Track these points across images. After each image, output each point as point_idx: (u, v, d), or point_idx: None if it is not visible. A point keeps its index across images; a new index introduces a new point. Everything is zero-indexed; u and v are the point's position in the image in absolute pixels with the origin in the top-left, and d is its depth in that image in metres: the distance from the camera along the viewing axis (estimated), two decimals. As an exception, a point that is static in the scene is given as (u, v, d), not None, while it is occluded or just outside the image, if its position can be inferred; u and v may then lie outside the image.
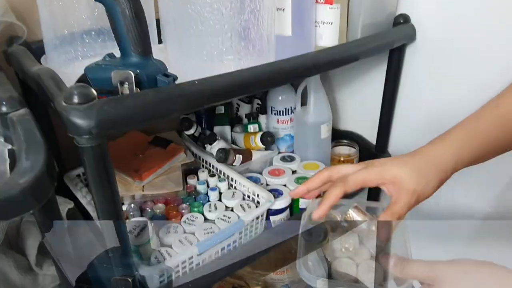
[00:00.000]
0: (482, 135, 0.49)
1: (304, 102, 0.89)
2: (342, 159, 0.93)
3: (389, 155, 0.95)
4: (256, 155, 0.87)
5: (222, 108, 0.97)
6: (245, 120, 0.99)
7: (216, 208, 0.74)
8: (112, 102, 0.42)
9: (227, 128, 0.96)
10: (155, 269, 0.57)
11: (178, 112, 0.47)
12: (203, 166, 0.89)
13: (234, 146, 0.92)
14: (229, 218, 0.70)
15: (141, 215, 0.72)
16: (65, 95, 0.41)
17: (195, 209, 0.74)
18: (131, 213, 0.69)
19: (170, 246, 0.65)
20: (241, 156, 0.84)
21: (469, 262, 0.40)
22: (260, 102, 0.99)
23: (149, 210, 0.73)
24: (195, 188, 0.81)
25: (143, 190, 0.76)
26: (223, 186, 0.80)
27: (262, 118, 0.97)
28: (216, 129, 0.96)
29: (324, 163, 0.88)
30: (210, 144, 0.87)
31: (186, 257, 0.60)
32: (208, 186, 0.81)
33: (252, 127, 0.93)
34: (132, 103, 0.43)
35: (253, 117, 0.96)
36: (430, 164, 0.47)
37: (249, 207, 0.73)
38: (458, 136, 0.49)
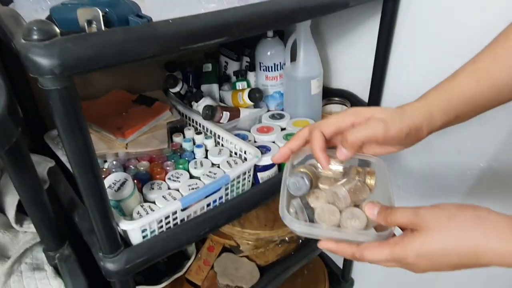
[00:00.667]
0: (457, 92, 0.46)
1: (294, 58, 0.85)
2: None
3: (381, 113, 0.92)
4: (244, 113, 0.84)
5: (210, 65, 0.93)
6: (233, 79, 0.96)
7: (202, 165, 0.72)
8: (77, 40, 0.39)
9: (215, 86, 0.93)
10: (137, 224, 0.55)
11: (151, 54, 0.43)
12: (189, 124, 0.86)
13: (222, 104, 0.89)
14: (215, 174, 0.68)
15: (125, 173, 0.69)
16: (23, 32, 0.37)
17: (180, 166, 0.72)
18: (113, 170, 0.67)
19: (154, 202, 0.63)
20: (228, 113, 0.81)
21: (452, 205, 0.39)
22: (249, 60, 0.95)
23: (133, 167, 0.71)
24: (181, 146, 0.78)
25: (126, 148, 0.74)
26: (209, 143, 0.78)
27: (251, 76, 0.94)
28: (204, 87, 0.92)
29: (314, 120, 0.85)
30: (197, 101, 0.84)
31: (170, 211, 0.59)
32: (194, 144, 0.78)
33: (240, 85, 0.90)
34: (99, 41, 0.40)
35: (241, 75, 0.92)
36: (405, 115, 0.45)
37: (236, 163, 0.71)
38: (433, 96, 0.47)
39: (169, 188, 0.67)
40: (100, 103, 0.85)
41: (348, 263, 1.20)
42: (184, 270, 0.88)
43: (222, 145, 0.78)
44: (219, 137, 0.78)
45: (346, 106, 0.92)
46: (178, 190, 0.66)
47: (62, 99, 0.40)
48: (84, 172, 0.46)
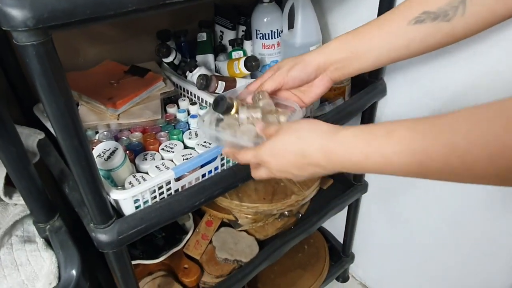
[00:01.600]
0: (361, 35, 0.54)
1: (291, 25, 0.82)
2: (333, 86, 0.87)
3: (384, 83, 0.89)
4: (240, 83, 0.81)
5: (204, 35, 0.90)
6: (229, 48, 0.92)
7: (196, 135, 0.69)
8: (51, -11, 0.36)
9: (210, 57, 0.89)
10: (128, 193, 0.53)
11: (132, 7, 0.40)
12: (183, 95, 0.83)
13: (217, 74, 0.86)
14: (210, 144, 0.66)
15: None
16: (-7, -19, 0.34)
17: (174, 136, 0.69)
18: (104, 140, 0.65)
19: (147, 173, 0.61)
20: (224, 83, 0.78)
21: (287, 127, 0.47)
22: (245, 29, 0.91)
23: (125, 138, 0.68)
24: (175, 117, 0.76)
25: (118, 119, 0.71)
26: (202, 112, 0.75)
27: (247, 45, 0.90)
28: (198, 58, 0.89)
29: (313, 90, 0.82)
30: (191, 71, 0.81)
31: (163, 180, 0.57)
32: (188, 115, 0.76)
33: (236, 54, 0.87)
34: (75, -8, 0.37)
35: (237, 44, 0.89)
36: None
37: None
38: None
39: (162, 159, 0.65)
40: (90, 74, 0.82)
41: (348, 238, 1.19)
42: (182, 244, 0.87)
43: None
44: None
45: (347, 75, 0.89)
46: (172, 161, 0.64)
47: (39, 55, 0.37)
48: (69, 136, 0.43)
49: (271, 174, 0.50)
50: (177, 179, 0.59)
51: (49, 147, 0.68)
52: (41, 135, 0.70)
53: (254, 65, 0.79)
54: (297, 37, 0.78)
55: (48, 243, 0.57)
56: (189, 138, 0.69)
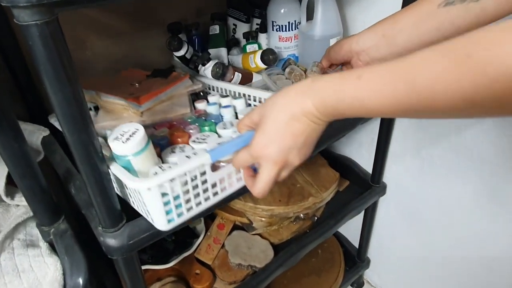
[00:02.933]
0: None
1: (310, 17, 0.77)
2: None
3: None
4: (257, 77, 0.77)
5: (217, 27, 0.85)
6: (243, 42, 0.88)
7: (232, 124, 0.59)
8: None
9: (223, 51, 0.85)
10: (153, 181, 0.44)
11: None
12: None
13: (234, 66, 0.81)
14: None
15: None
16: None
17: (206, 128, 0.60)
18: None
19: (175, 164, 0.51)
20: (240, 74, 0.73)
21: (264, 107, 0.44)
22: (259, 22, 0.87)
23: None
24: (205, 111, 0.68)
25: (141, 116, 0.64)
26: (239, 104, 0.66)
27: (262, 38, 0.86)
28: (211, 52, 0.84)
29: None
30: (203, 65, 0.76)
31: (195, 166, 0.47)
32: (220, 107, 0.68)
33: (251, 48, 0.82)
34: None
35: (252, 37, 0.84)
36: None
37: None
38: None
39: (194, 150, 0.55)
40: (110, 79, 0.76)
41: (364, 242, 1.14)
42: (194, 248, 0.83)
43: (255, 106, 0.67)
44: (250, 97, 0.68)
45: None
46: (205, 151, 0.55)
47: (43, 37, 0.33)
48: (76, 130, 0.39)
49: (275, 166, 0.44)
50: (214, 169, 0.50)
51: (54, 145, 0.64)
52: (46, 132, 0.66)
53: (271, 59, 0.74)
54: (317, 29, 0.74)
55: (53, 247, 0.52)
56: (224, 128, 0.59)
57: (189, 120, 0.64)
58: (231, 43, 0.87)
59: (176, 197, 0.47)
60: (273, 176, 0.44)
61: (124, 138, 0.46)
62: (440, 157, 0.86)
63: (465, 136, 0.79)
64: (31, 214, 0.55)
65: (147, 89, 0.68)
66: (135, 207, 0.51)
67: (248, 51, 0.82)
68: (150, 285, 0.80)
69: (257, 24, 0.88)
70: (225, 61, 0.85)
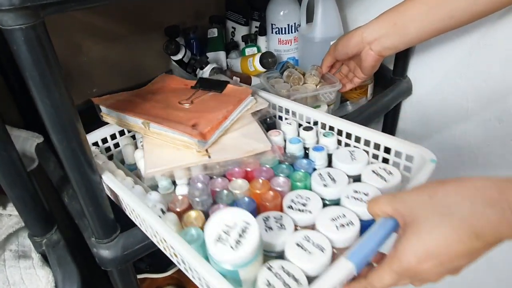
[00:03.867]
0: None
1: (310, 19, 0.75)
2: (354, 85, 0.81)
3: (409, 81, 0.82)
4: (255, 81, 0.75)
5: (215, 31, 0.84)
6: (242, 45, 0.86)
7: (334, 179, 0.45)
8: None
9: (221, 54, 0.84)
10: None
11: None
12: (278, 116, 0.60)
13: (232, 70, 0.80)
14: (365, 195, 0.42)
15: (213, 203, 0.44)
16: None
17: (298, 184, 0.45)
18: (198, 199, 0.43)
19: (281, 256, 0.37)
20: (238, 79, 0.72)
21: (432, 183, 0.33)
22: (258, 25, 0.86)
23: (225, 192, 0.44)
24: (284, 150, 0.53)
25: (209, 156, 0.48)
26: (330, 143, 0.52)
27: (261, 41, 0.84)
28: (209, 55, 0.83)
29: (334, 88, 0.76)
30: (201, 68, 0.75)
31: (339, 280, 0.32)
32: (305, 147, 0.53)
33: (250, 51, 0.81)
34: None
35: (251, 40, 0.83)
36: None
37: (390, 173, 0.45)
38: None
39: (296, 226, 0.40)
40: (146, 94, 0.61)
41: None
42: (192, 256, 0.81)
43: (347, 144, 0.53)
44: (340, 133, 0.52)
45: (369, 73, 0.82)
46: (314, 228, 0.40)
47: (29, 41, 0.31)
48: (65, 138, 0.37)
49: (430, 281, 0.33)
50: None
51: (48, 152, 0.63)
52: (40, 139, 0.64)
53: (270, 62, 0.73)
54: (317, 31, 0.72)
55: (45, 259, 0.51)
56: (325, 186, 0.44)
57: (267, 166, 0.48)
58: (230, 47, 0.86)
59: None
60: None
61: (232, 240, 0.32)
62: (445, 160, 0.84)
63: (470, 141, 0.77)
64: (23, 224, 0.53)
65: (204, 113, 0.52)
66: None
67: (247, 54, 0.80)
68: (149, 294, 0.78)
69: (256, 27, 0.86)
70: (224, 65, 0.83)
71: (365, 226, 0.39)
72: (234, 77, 0.69)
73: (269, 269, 0.34)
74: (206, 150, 0.48)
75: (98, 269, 0.52)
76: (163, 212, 0.43)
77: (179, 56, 0.77)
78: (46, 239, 0.50)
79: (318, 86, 0.67)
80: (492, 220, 0.29)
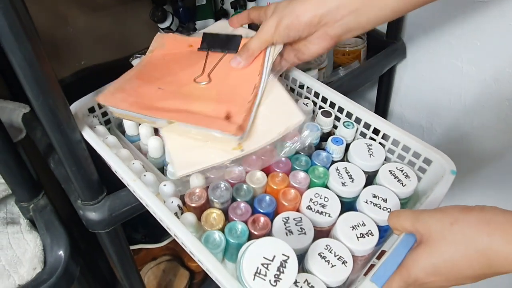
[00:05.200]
0: None
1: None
2: (347, 49, 0.79)
3: (403, 44, 0.80)
4: (244, 48, 0.73)
5: (204, -2, 0.82)
6: (231, 13, 0.84)
7: (351, 177, 0.44)
8: None
9: (210, 22, 0.81)
10: None
11: None
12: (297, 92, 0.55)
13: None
14: (384, 201, 0.42)
15: (232, 200, 0.42)
16: None
17: (316, 181, 0.44)
18: (219, 200, 0.41)
19: (299, 260, 0.36)
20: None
21: (456, 208, 0.33)
22: (248, -9, 0.83)
23: (244, 187, 0.42)
24: (300, 136, 0.47)
25: (242, 150, 0.42)
26: (349, 135, 0.49)
27: (250, 7, 0.82)
28: (198, 24, 0.81)
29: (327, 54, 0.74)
30: (189, 35, 0.73)
31: None
32: (323, 134, 0.49)
33: (239, 17, 0.79)
34: None
35: (240, 5, 0.81)
36: None
37: (407, 176, 0.45)
38: None
39: (316, 230, 0.40)
40: (150, 72, 0.50)
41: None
42: (188, 227, 0.81)
43: (363, 135, 0.50)
44: (358, 120, 0.50)
45: (361, 38, 0.81)
46: (332, 232, 0.41)
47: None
48: (39, 92, 0.36)
49: None
50: None
51: (35, 122, 0.62)
52: (26, 109, 0.63)
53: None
54: (307, -8, 0.70)
55: (33, 224, 0.50)
56: (344, 185, 0.43)
57: (283, 157, 0.44)
58: (220, 14, 0.84)
59: None
60: None
61: (271, 274, 0.31)
62: (439, 125, 0.83)
63: (466, 104, 0.76)
64: (10, 192, 0.53)
65: (227, 93, 0.46)
66: None
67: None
68: (145, 264, 0.79)
69: (246, -7, 0.84)
70: (213, 33, 0.81)
71: (382, 232, 0.41)
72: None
73: (295, 284, 0.35)
74: (239, 144, 0.43)
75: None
76: (180, 208, 0.41)
77: (166, 24, 0.75)
78: (33, 204, 0.50)
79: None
80: (507, 256, 0.30)
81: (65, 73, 0.79)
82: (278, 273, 0.31)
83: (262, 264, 0.31)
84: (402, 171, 0.45)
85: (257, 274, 0.31)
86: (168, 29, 0.76)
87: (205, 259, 0.34)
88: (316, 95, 0.53)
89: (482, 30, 0.67)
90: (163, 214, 0.38)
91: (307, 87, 0.54)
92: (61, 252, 0.46)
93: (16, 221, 0.51)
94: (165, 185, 0.42)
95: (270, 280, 0.31)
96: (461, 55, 0.71)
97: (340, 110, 0.51)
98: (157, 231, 0.80)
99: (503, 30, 0.64)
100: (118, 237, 0.51)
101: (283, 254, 0.32)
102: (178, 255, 0.82)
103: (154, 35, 0.77)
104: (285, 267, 0.32)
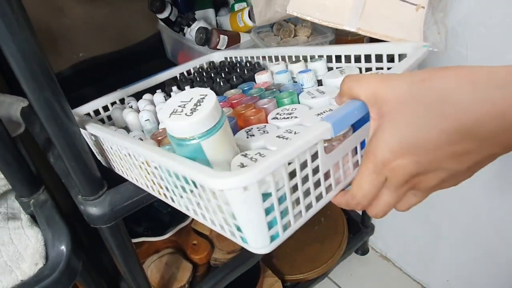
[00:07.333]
0: None
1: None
2: (349, 38, 0.78)
3: None
4: (245, 38, 0.72)
5: (203, -13, 0.80)
6: (231, 2, 0.83)
7: (323, 92, 0.40)
8: None
9: (210, 12, 0.80)
10: (249, 174, 0.24)
11: None
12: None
13: (219, 29, 0.77)
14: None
15: None
16: None
17: (285, 100, 0.41)
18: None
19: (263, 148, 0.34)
20: (226, 37, 0.69)
21: (429, 68, 0.26)
22: (248, -21, 0.82)
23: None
24: (273, 83, 0.50)
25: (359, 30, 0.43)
26: (319, 67, 0.48)
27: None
28: (198, 14, 0.80)
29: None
30: (189, 26, 0.72)
31: (313, 141, 0.28)
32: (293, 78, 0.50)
33: (239, 6, 0.77)
34: None
35: (239, -5, 0.79)
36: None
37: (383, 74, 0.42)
38: None
39: (281, 130, 0.35)
40: None
41: (368, 208, 1.11)
42: (190, 219, 0.81)
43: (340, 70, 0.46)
44: (330, 58, 0.48)
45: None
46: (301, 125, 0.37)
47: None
48: (36, 86, 0.35)
49: (408, 172, 0.27)
50: (326, 150, 0.30)
51: (34, 116, 0.61)
52: (25, 103, 0.62)
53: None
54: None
55: (34, 219, 0.50)
56: (313, 97, 0.40)
57: (255, 95, 0.45)
58: (219, 3, 0.83)
59: (281, 198, 0.28)
60: (415, 203, 0.30)
61: (187, 110, 0.30)
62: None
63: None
64: (9, 187, 0.52)
65: None
66: (200, 219, 0.34)
67: (236, 10, 0.77)
68: (148, 257, 0.79)
69: (245, -19, 0.82)
70: (213, 23, 0.80)
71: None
72: (222, 35, 0.66)
73: (245, 156, 0.31)
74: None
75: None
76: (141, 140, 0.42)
77: (165, 14, 0.74)
78: (33, 200, 0.49)
79: (309, 38, 0.64)
80: (498, 103, 0.22)
81: (62, 66, 0.78)
82: (194, 107, 0.29)
83: (179, 106, 0.30)
84: (377, 73, 0.40)
85: (174, 113, 0.30)
86: (167, 19, 0.75)
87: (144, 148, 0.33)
88: (290, 58, 0.53)
89: (488, 18, 0.65)
90: (125, 140, 0.36)
91: (282, 56, 0.54)
92: (62, 247, 0.46)
93: (17, 217, 0.51)
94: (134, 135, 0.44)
95: (185, 113, 0.29)
96: (467, 43, 0.70)
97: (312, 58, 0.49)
98: (159, 224, 0.80)
99: (509, 17, 0.63)
100: (120, 232, 0.51)
101: (200, 95, 0.31)
102: (180, 247, 0.81)
103: (153, 26, 0.77)
104: (202, 101, 0.30)
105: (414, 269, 1.13)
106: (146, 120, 0.48)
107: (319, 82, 0.47)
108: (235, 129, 0.38)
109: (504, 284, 0.85)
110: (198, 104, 0.30)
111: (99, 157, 0.50)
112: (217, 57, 0.61)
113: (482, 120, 0.23)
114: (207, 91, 0.31)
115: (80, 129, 0.42)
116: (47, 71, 0.35)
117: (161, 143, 0.40)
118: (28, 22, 0.33)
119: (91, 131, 0.43)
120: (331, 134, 0.29)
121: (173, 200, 0.37)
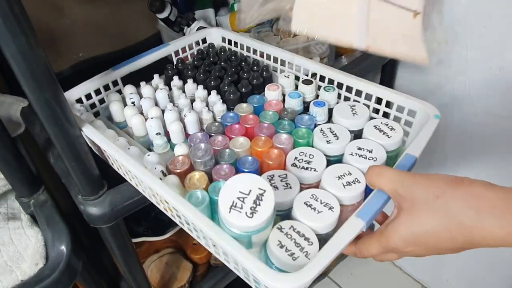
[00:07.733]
0: None
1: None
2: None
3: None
4: (245, 37, 0.72)
5: (202, -13, 0.80)
6: (231, 1, 0.83)
7: (336, 135, 0.43)
8: None
9: (210, 11, 0.80)
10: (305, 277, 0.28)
11: None
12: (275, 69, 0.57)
13: (219, 30, 0.77)
14: (369, 151, 0.41)
15: (215, 163, 0.42)
16: None
17: (301, 141, 0.43)
18: (200, 160, 0.40)
19: (287, 214, 0.37)
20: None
21: (443, 179, 0.32)
22: (248, -21, 0.81)
23: (227, 151, 0.43)
24: (283, 105, 0.50)
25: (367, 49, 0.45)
26: (331, 98, 0.49)
27: None
28: (197, 13, 0.80)
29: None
30: (188, 26, 0.72)
31: (349, 239, 0.31)
32: (304, 100, 0.50)
33: (239, 5, 0.77)
34: None
35: (239, -6, 0.79)
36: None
37: (392, 129, 0.44)
38: None
39: (301, 184, 0.39)
40: None
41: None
42: (190, 219, 0.81)
43: (346, 98, 0.50)
44: (340, 86, 0.50)
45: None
46: (320, 187, 0.39)
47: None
48: (36, 86, 0.35)
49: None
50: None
51: (34, 116, 0.61)
52: (25, 103, 0.62)
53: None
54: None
55: (34, 219, 0.50)
56: (328, 142, 0.42)
57: (267, 122, 0.46)
58: (219, 3, 0.83)
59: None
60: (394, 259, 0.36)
61: (247, 207, 0.30)
62: (443, 113, 0.82)
63: (470, 91, 0.74)
64: (9, 187, 0.52)
65: None
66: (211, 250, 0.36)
67: (236, 9, 0.77)
68: (148, 257, 0.79)
69: (245, -19, 0.82)
70: (213, 22, 0.80)
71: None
72: None
73: (280, 229, 0.34)
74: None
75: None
76: (164, 174, 0.41)
77: (165, 14, 0.74)
78: (33, 200, 0.50)
79: (309, 38, 0.64)
80: (495, 232, 0.29)
81: (62, 66, 0.78)
82: (254, 205, 0.31)
83: (238, 198, 0.31)
84: (387, 125, 0.45)
85: (233, 207, 0.31)
86: (166, 19, 0.75)
87: (185, 209, 0.33)
88: (298, 68, 0.54)
89: (488, 17, 0.65)
90: (147, 177, 0.37)
91: (288, 63, 0.55)
92: (63, 247, 0.46)
93: (17, 217, 0.51)
94: (148, 155, 0.43)
95: (246, 213, 0.30)
96: (467, 43, 0.70)
97: (322, 79, 0.52)
98: (159, 224, 0.80)
99: (509, 17, 0.63)
100: (120, 232, 0.51)
101: (259, 188, 0.32)
102: (181, 247, 0.81)
103: (153, 26, 0.77)
104: (261, 199, 0.31)
105: (414, 269, 1.13)
106: (157, 134, 0.47)
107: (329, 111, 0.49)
108: (257, 173, 0.40)
109: (504, 284, 0.85)
110: (257, 203, 0.31)
111: (95, 151, 0.49)
112: (214, 35, 0.62)
113: (481, 240, 0.30)
114: (266, 185, 0.32)
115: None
116: (47, 71, 0.35)
117: (183, 179, 0.40)
118: (28, 22, 0.33)
119: (105, 148, 0.42)
120: (363, 229, 0.33)
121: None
